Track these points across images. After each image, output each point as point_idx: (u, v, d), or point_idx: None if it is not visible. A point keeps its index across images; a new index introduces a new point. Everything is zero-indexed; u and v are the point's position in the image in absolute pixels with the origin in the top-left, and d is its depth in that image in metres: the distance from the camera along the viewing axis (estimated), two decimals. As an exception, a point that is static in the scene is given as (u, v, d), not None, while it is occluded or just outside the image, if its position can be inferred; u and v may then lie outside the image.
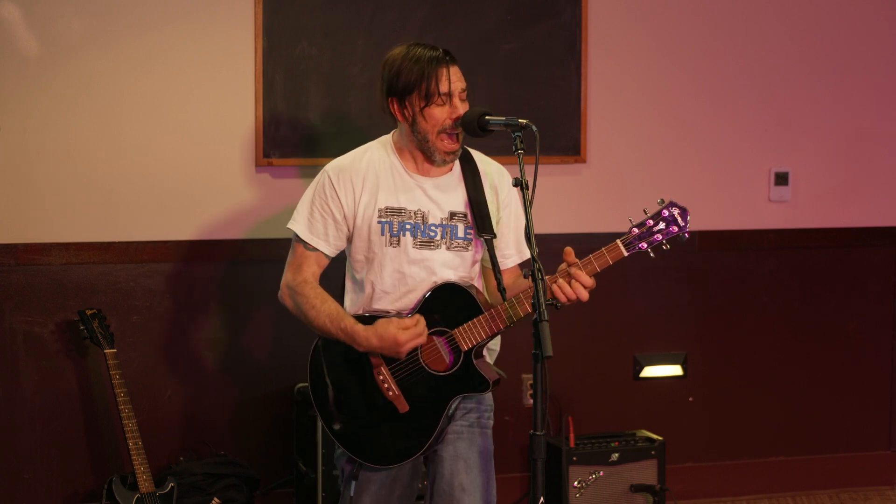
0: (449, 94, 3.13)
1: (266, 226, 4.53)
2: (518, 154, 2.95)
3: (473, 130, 3.11)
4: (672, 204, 3.09)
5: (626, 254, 3.07)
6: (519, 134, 2.99)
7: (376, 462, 3.21)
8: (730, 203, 5.01)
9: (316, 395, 3.27)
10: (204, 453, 4.49)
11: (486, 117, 3.08)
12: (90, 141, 4.39)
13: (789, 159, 5.06)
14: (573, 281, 3.04)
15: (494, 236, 3.21)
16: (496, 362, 3.35)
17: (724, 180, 5.00)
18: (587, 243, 4.67)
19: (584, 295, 3.05)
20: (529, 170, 2.91)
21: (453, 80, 3.15)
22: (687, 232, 3.09)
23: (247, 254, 4.54)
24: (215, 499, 4.26)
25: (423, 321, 3.12)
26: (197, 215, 4.50)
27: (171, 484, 4.16)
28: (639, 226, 3.08)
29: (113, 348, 4.19)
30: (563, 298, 3.05)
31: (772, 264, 5.09)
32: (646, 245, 3.07)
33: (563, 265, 3.08)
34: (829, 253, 5.13)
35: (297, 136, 4.52)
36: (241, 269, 4.56)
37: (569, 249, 3.07)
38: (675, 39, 4.92)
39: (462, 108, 3.16)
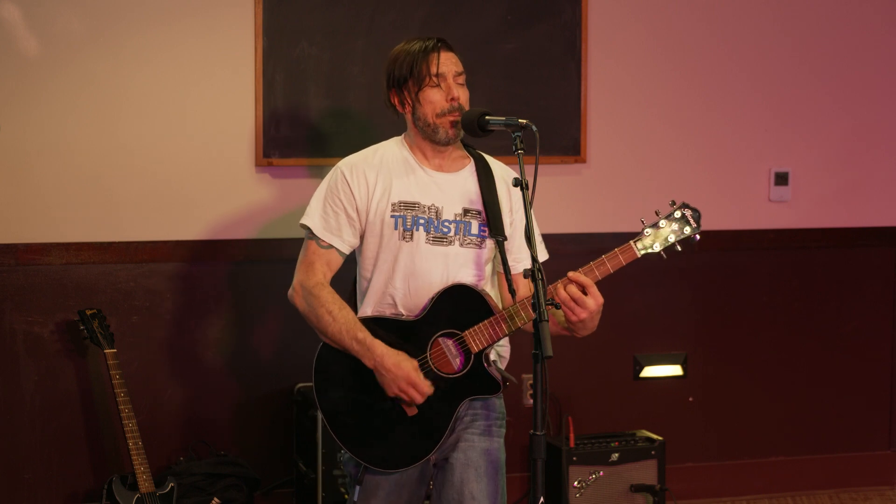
0: (441, 76, 3.13)
1: (266, 226, 4.53)
2: (518, 154, 2.94)
3: (473, 130, 3.10)
4: (685, 205, 3.09)
5: (639, 255, 3.06)
6: (519, 134, 2.98)
7: (384, 466, 3.15)
8: (730, 203, 5.01)
9: (321, 398, 3.19)
10: (204, 453, 4.49)
11: (486, 117, 3.07)
12: (90, 141, 4.39)
13: (789, 159, 5.06)
14: (569, 284, 3.01)
15: (506, 238, 3.19)
16: (507, 367, 3.33)
17: (724, 180, 5.00)
18: (587, 243, 4.72)
19: (577, 294, 3.00)
20: (529, 170, 2.91)
21: (445, 62, 3.14)
22: (699, 234, 3.08)
23: (247, 254, 4.54)
24: (215, 499, 4.26)
25: (410, 407, 3.09)
26: (197, 215, 4.50)
27: (171, 484, 4.16)
28: (651, 227, 3.07)
29: (113, 348, 4.19)
30: (572, 317, 3.01)
31: (772, 264, 5.09)
32: (658, 246, 3.07)
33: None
34: (829, 253, 5.13)
35: (297, 136, 4.52)
36: (242, 268, 4.56)
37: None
38: (675, 39, 4.92)
39: (459, 90, 3.15)
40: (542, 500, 2.78)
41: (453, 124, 3.15)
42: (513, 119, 3.02)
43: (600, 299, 3.03)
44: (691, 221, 3.08)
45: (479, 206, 3.20)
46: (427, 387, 3.07)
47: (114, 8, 4.38)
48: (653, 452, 4.61)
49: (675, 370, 5.01)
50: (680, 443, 4.92)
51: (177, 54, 4.44)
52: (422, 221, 3.15)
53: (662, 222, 3.08)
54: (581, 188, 4.85)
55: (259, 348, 4.61)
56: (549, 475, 4.46)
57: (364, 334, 3.09)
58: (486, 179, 3.22)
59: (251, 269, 4.56)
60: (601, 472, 4.55)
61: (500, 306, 3.20)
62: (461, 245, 3.17)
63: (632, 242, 3.07)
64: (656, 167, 4.92)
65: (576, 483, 4.53)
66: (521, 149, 2.95)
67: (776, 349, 5.12)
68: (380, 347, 3.08)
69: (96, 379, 4.43)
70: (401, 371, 3.05)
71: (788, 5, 5.01)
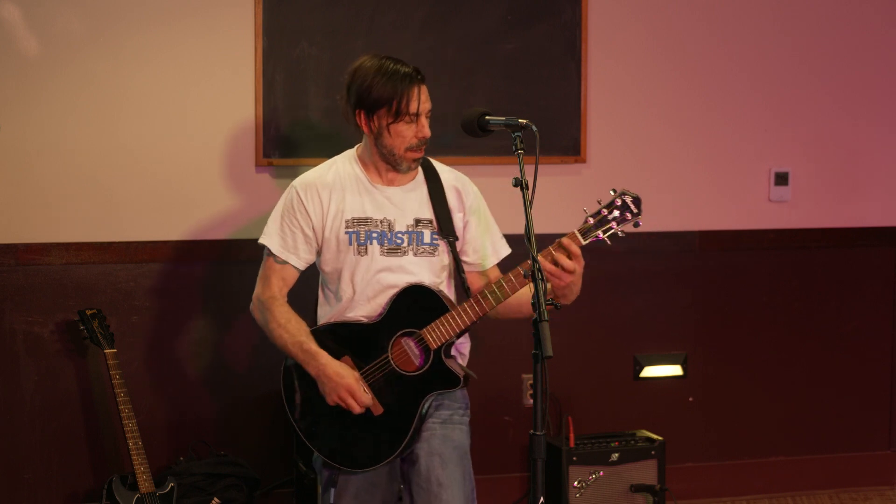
0: (417, 114, 3.22)
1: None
2: (518, 154, 2.97)
3: (473, 130, 3.13)
4: (624, 192, 3.19)
5: (583, 242, 3.16)
6: (519, 134, 3.00)
7: (355, 466, 3.27)
8: (730, 203, 5.01)
9: (290, 405, 3.34)
10: (204, 453, 4.49)
11: (486, 117, 3.10)
12: (90, 141, 4.39)
13: (789, 159, 5.06)
14: (556, 251, 3.12)
15: (457, 238, 3.32)
16: (469, 364, 3.43)
17: (724, 180, 5.00)
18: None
19: (565, 260, 3.10)
20: (529, 170, 2.92)
21: (423, 100, 3.24)
22: (640, 219, 3.17)
23: (247, 254, 4.54)
24: (215, 499, 4.26)
25: (376, 406, 3.20)
26: (197, 215, 4.51)
27: (171, 484, 4.16)
28: (594, 215, 3.18)
29: (113, 348, 4.19)
30: (557, 282, 3.11)
31: (772, 264, 5.09)
32: (602, 234, 3.16)
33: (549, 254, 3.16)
34: (829, 253, 5.13)
35: (297, 136, 4.52)
36: (242, 269, 4.56)
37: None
38: (675, 39, 4.92)
39: (427, 128, 3.25)
40: (542, 500, 2.79)
41: (416, 159, 3.28)
42: (513, 119, 3.05)
43: (582, 262, 3.13)
44: (631, 207, 3.17)
45: (429, 214, 3.31)
46: (367, 398, 3.20)
47: (114, 8, 4.38)
48: (653, 452, 4.61)
49: (675, 370, 5.01)
50: (680, 443, 4.92)
51: (177, 54, 4.44)
52: (375, 235, 3.27)
53: (604, 210, 3.17)
54: (581, 188, 4.85)
55: (259, 348, 4.61)
56: (549, 475, 4.46)
57: (310, 345, 3.24)
58: (434, 186, 3.34)
59: (252, 269, 4.53)
60: (601, 472, 4.55)
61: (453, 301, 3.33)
62: (415, 255, 3.30)
63: (575, 231, 3.17)
64: (656, 167, 4.92)
65: (576, 483, 4.53)
66: (520, 149, 2.98)
67: (776, 349, 5.12)
68: (324, 357, 3.22)
69: (96, 379, 4.43)
70: (342, 380, 3.18)
71: (788, 5, 5.01)
